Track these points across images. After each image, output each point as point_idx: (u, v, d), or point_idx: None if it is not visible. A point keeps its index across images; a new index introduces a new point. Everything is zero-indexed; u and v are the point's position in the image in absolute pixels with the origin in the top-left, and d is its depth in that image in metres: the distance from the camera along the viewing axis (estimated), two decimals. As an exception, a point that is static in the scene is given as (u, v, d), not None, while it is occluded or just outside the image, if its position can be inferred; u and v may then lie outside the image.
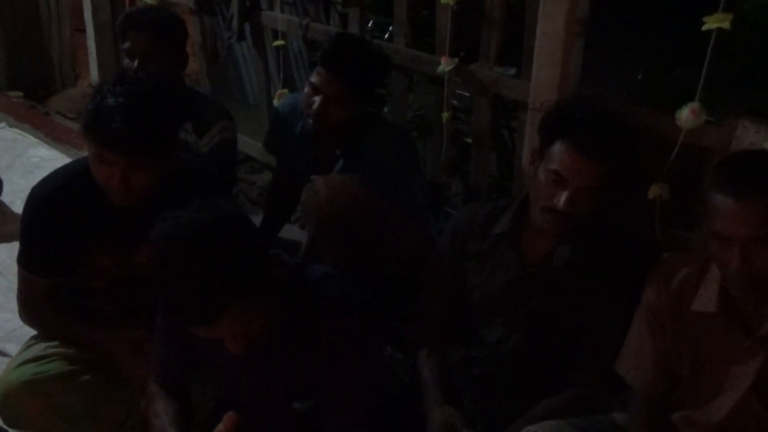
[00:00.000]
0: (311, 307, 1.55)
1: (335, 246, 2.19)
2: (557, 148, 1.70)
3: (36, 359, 1.86)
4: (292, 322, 1.54)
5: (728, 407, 1.56)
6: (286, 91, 2.93)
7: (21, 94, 4.89)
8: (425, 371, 1.92)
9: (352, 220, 2.18)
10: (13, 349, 2.23)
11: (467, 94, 2.83)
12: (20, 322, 2.00)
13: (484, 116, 2.53)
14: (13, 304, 1.98)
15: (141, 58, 2.32)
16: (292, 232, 3.00)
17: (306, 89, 2.33)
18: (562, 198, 1.68)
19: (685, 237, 1.93)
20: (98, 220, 1.84)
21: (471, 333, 1.94)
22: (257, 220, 2.64)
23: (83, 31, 4.58)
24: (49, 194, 1.86)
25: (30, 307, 1.94)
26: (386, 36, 3.32)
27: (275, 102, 2.87)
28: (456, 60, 2.45)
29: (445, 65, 2.45)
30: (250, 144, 3.45)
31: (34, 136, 4.12)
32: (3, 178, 3.22)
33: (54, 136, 4.16)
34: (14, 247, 1.97)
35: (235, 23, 3.42)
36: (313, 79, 2.29)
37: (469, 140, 2.73)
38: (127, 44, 2.37)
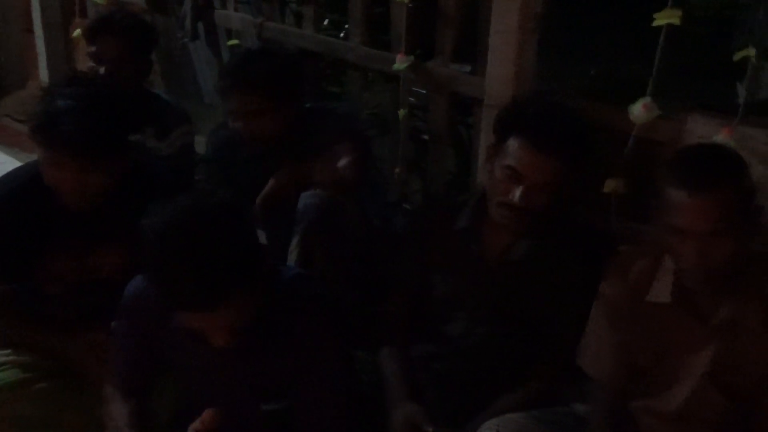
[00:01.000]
0: (284, 307, 1.54)
1: (326, 248, 2.18)
2: (512, 144, 1.72)
3: (-13, 368, 1.82)
4: (263, 321, 1.53)
5: (685, 395, 1.59)
6: None
7: (-32, 97, 4.78)
8: (388, 368, 1.92)
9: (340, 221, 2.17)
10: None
11: (424, 92, 2.84)
12: (-27, 331, 1.95)
13: (441, 113, 2.54)
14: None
15: (109, 64, 2.28)
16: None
17: (231, 122, 2.26)
18: (518, 193, 1.69)
19: (640, 229, 1.97)
20: (51, 224, 1.80)
21: (433, 329, 1.95)
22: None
23: (32, 31, 4.49)
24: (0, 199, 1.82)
25: None
26: (342, 34, 3.32)
27: None
28: (412, 57, 2.46)
29: (401, 63, 2.45)
30: (205, 144, 3.40)
31: (-18, 140, 4.03)
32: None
33: (3, 140, 4.07)
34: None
35: (188, 22, 3.38)
36: (229, 106, 2.23)
37: (427, 137, 2.74)
38: (94, 48, 2.34)
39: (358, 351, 2.19)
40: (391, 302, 2.02)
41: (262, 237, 2.05)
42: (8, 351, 1.87)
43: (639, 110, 1.84)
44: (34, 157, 1.81)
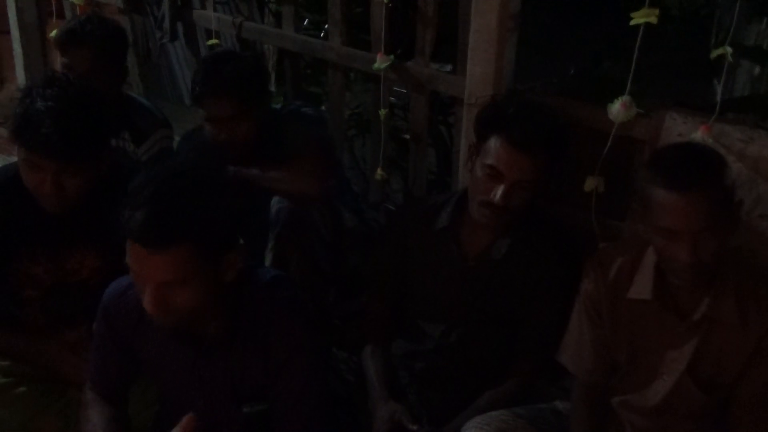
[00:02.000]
0: (262, 309, 1.54)
1: (299, 251, 2.18)
2: (492, 143, 1.73)
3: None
4: (241, 323, 1.52)
5: (665, 391, 1.61)
6: None
7: (-57, 99, 4.72)
8: (370, 368, 1.93)
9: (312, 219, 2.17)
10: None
11: (405, 91, 2.84)
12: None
13: (421, 113, 2.54)
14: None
15: (82, 74, 2.26)
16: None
17: (205, 125, 2.25)
18: (499, 192, 1.70)
19: (618, 226, 1.98)
20: (28, 227, 1.79)
21: (414, 328, 1.95)
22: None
23: (6, 32, 4.43)
24: None
25: None
26: (322, 34, 3.31)
27: None
28: (392, 57, 2.46)
29: (381, 62, 2.45)
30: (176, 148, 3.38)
31: (-42, 142, 3.97)
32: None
33: (-21, 142, 4.02)
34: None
35: (166, 23, 3.35)
36: (207, 112, 2.22)
37: (408, 136, 2.74)
38: (66, 59, 2.33)
39: (339, 350, 2.20)
40: (370, 301, 2.02)
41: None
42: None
43: (618, 109, 1.85)
44: (10, 159, 1.79)
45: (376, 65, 2.47)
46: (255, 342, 1.54)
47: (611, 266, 1.64)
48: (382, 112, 2.55)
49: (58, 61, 2.43)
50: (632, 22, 1.79)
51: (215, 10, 3.23)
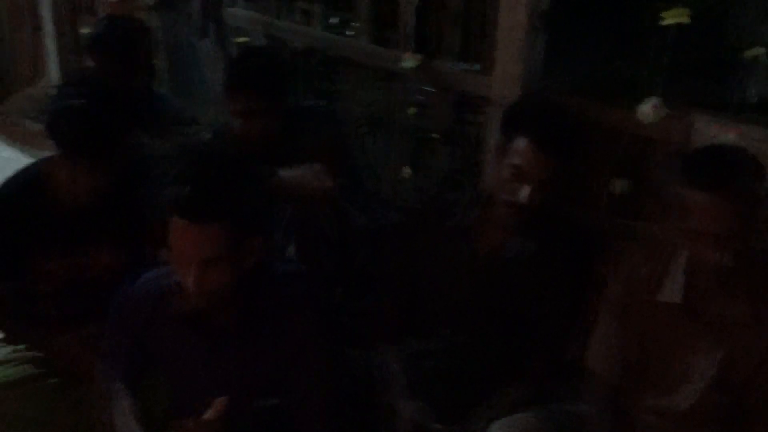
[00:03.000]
0: (276, 302, 1.55)
1: (314, 252, 2.19)
2: (518, 143, 1.72)
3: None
4: (255, 315, 1.53)
5: (694, 396, 1.59)
6: None
7: (-23, 94, 4.81)
8: (386, 367, 1.92)
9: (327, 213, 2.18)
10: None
11: (428, 89, 2.84)
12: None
13: (448, 112, 2.54)
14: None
15: (109, 76, 2.30)
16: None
17: (232, 118, 2.28)
18: (523, 192, 1.70)
19: (631, 227, 1.96)
20: (46, 224, 1.82)
21: (424, 326, 1.95)
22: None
23: (41, 29, 4.51)
24: (2, 198, 1.85)
25: None
26: (350, 32, 3.32)
27: None
28: (419, 56, 2.46)
29: (409, 61, 2.45)
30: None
31: (-7, 137, 4.05)
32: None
33: (13, 137, 4.09)
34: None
35: (197, 20, 3.39)
36: (233, 106, 2.24)
37: (431, 135, 2.74)
38: (93, 63, 2.39)
39: (352, 349, 2.20)
40: (381, 300, 2.02)
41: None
42: (21, 347, 1.89)
43: (647, 110, 1.84)
44: (42, 154, 1.83)
45: (404, 64, 2.47)
46: (269, 335, 1.55)
47: (639, 267, 1.63)
48: (411, 110, 2.55)
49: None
50: (663, 22, 1.77)
51: (245, 8, 3.26)
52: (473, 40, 2.45)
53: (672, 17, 1.76)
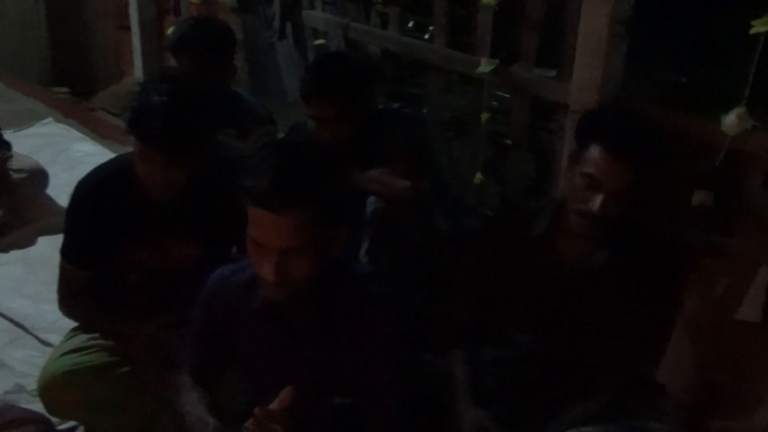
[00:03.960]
0: (354, 301, 1.56)
1: (391, 253, 2.21)
2: (592, 151, 1.69)
3: (77, 350, 1.91)
4: (332, 312, 1.55)
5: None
6: None
7: (67, 90, 5.01)
8: (456, 372, 1.92)
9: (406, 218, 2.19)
10: (55, 339, 2.28)
11: (506, 95, 2.82)
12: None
13: (523, 118, 2.52)
14: (55, 296, 2.02)
15: (191, 73, 2.37)
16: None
17: (308, 123, 2.31)
18: (597, 202, 1.67)
19: (722, 243, 1.90)
20: (136, 214, 1.88)
21: (502, 334, 1.93)
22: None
23: (127, 28, 4.66)
24: (91, 189, 1.91)
25: (68, 299, 1.99)
26: (426, 36, 3.32)
27: None
28: (496, 61, 2.45)
29: (485, 66, 2.44)
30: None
31: (79, 132, 4.20)
32: (48, 172, 3.28)
33: (98, 132, 4.24)
34: (57, 240, 2.01)
35: (276, 22, 3.45)
36: (311, 110, 2.27)
37: (508, 141, 2.72)
38: (177, 63, 2.47)
39: (426, 354, 2.20)
40: (460, 305, 2.02)
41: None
42: (96, 335, 1.95)
43: (732, 121, 1.78)
44: (126, 149, 1.89)
45: (480, 69, 2.46)
46: (344, 333, 1.56)
47: (717, 285, 1.58)
48: (484, 116, 2.54)
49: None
50: (752, 31, 1.71)
51: (323, 10, 3.30)
52: (551, 45, 2.42)
53: (762, 25, 1.70)
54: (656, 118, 1.78)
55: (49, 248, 2.88)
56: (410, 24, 3.48)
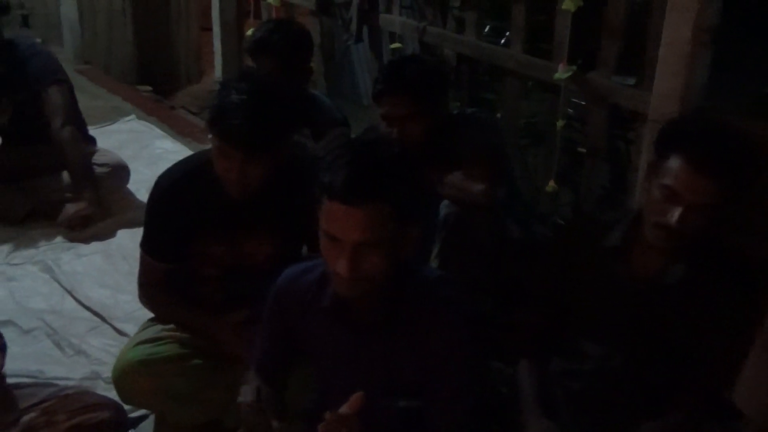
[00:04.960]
0: (424, 304, 1.56)
1: (462, 258, 2.20)
2: (672, 162, 1.64)
3: (151, 340, 1.95)
4: (402, 314, 1.55)
5: None
6: None
7: (150, 88, 5.16)
8: (525, 383, 1.90)
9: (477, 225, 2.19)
10: (131, 329, 2.35)
11: (583, 103, 2.77)
12: (139, 305, 2.11)
13: (600, 126, 2.47)
14: (133, 287, 2.09)
15: (269, 74, 2.42)
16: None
17: (382, 123, 2.31)
18: (675, 215, 1.62)
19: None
20: (214, 210, 1.92)
21: (573, 346, 1.90)
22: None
23: (208, 30, 4.78)
24: (171, 184, 1.96)
25: (147, 290, 2.04)
26: (502, 41, 3.30)
27: None
28: (574, 67, 2.41)
29: (563, 72, 2.41)
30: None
31: (160, 129, 4.32)
32: (130, 167, 3.39)
33: (178, 130, 4.35)
34: (137, 233, 2.07)
35: (353, 25, 3.48)
36: (383, 110, 2.28)
37: (582, 150, 2.67)
38: (254, 65, 2.53)
39: (496, 362, 2.18)
40: (530, 315, 1.99)
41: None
42: (171, 326, 2.00)
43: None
44: (204, 147, 1.93)
45: (557, 75, 2.43)
46: (414, 336, 1.55)
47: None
48: (560, 123, 2.50)
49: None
50: None
51: (400, 14, 3.32)
52: (631, 53, 2.37)
53: None
54: (741, 129, 1.71)
55: (128, 241, 2.98)
56: (487, 28, 3.47)
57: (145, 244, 2.01)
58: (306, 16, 3.95)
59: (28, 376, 2.21)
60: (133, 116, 4.48)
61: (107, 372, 2.09)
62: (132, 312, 2.51)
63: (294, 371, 1.80)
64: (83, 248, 3.03)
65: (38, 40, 4.88)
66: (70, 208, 3.10)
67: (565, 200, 2.95)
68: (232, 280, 2.02)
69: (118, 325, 2.53)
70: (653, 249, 1.73)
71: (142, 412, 2.10)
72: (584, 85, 2.45)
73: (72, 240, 3.07)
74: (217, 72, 4.67)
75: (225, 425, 1.99)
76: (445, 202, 2.24)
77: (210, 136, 1.82)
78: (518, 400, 1.88)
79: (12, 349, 2.07)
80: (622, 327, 1.80)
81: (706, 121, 1.70)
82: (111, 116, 4.44)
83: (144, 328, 2.04)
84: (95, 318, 2.60)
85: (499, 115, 3.01)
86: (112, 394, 1.95)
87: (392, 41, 3.40)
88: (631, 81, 2.56)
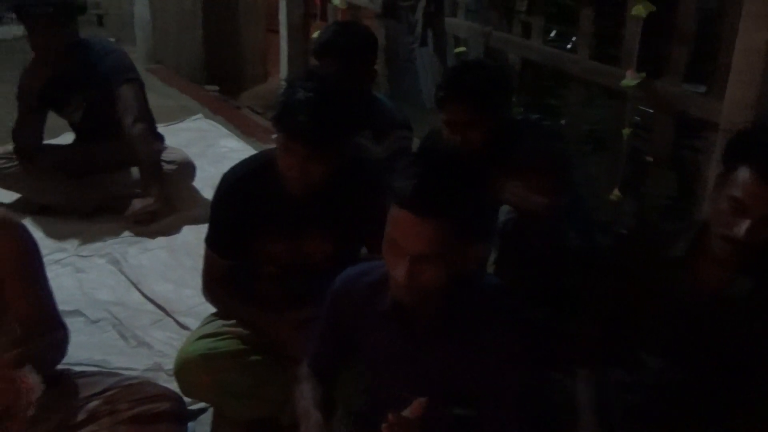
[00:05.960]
0: (482, 313, 1.56)
1: (519, 266, 2.19)
2: (741, 174, 1.60)
3: (213, 335, 1.99)
4: (459, 322, 1.55)
5: None
6: None
7: (217, 88, 5.27)
8: (583, 394, 1.87)
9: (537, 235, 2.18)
10: (192, 323, 2.40)
11: (649, 110, 2.72)
12: (201, 299, 2.15)
13: (667, 134, 2.42)
14: (196, 282, 2.14)
15: (334, 74, 2.45)
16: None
17: (444, 127, 2.31)
18: (743, 227, 1.57)
19: None
20: (276, 208, 1.95)
21: (632, 358, 1.86)
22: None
23: (274, 31, 4.85)
24: (236, 181, 2.00)
25: (210, 285, 2.08)
26: (568, 46, 3.26)
27: None
28: (643, 74, 2.37)
29: (630, 79, 2.37)
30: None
31: (226, 128, 4.40)
32: (195, 164, 3.45)
33: (242, 129, 4.42)
34: (200, 229, 2.12)
35: (418, 28, 3.49)
36: (445, 115, 2.26)
37: (648, 158, 2.62)
38: (320, 65, 2.55)
39: (553, 372, 2.16)
40: (588, 325, 1.96)
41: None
42: (232, 322, 2.04)
43: None
44: (268, 146, 1.96)
45: (624, 82, 2.39)
46: (471, 344, 1.55)
47: None
48: (626, 131, 2.46)
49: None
50: None
51: (465, 18, 3.31)
52: (701, 60, 2.31)
53: None
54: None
55: (192, 237, 3.03)
56: (552, 33, 3.43)
57: (210, 240, 2.05)
58: (371, 18, 3.97)
59: (93, 365, 2.28)
60: (200, 115, 4.58)
61: (169, 364, 2.15)
62: (194, 306, 2.56)
63: (345, 370, 1.81)
64: (149, 243, 3.10)
65: (112, 40, 5.03)
66: (137, 204, 3.19)
67: (628, 209, 2.90)
68: (292, 278, 2.04)
69: (181, 319, 2.59)
70: (719, 261, 1.68)
71: (201, 404, 2.14)
72: (652, 93, 2.40)
73: (138, 234, 3.15)
74: (282, 73, 4.73)
75: (281, 422, 2.02)
76: (504, 207, 2.22)
77: (274, 135, 1.85)
78: (576, 412, 1.85)
79: (79, 338, 2.14)
80: (685, 340, 1.76)
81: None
82: (179, 115, 4.55)
83: (206, 322, 2.08)
84: (159, 311, 2.66)
85: (563, 121, 2.98)
86: (173, 386, 1.99)
87: (457, 45, 3.39)
88: (702, 89, 2.50)
